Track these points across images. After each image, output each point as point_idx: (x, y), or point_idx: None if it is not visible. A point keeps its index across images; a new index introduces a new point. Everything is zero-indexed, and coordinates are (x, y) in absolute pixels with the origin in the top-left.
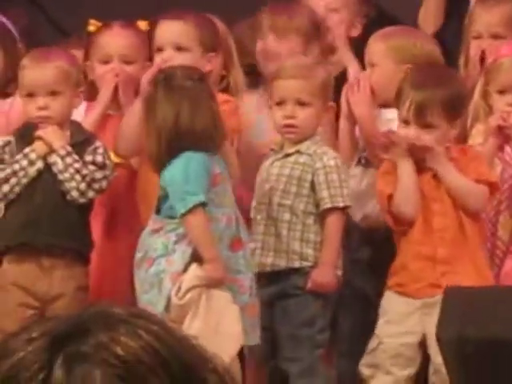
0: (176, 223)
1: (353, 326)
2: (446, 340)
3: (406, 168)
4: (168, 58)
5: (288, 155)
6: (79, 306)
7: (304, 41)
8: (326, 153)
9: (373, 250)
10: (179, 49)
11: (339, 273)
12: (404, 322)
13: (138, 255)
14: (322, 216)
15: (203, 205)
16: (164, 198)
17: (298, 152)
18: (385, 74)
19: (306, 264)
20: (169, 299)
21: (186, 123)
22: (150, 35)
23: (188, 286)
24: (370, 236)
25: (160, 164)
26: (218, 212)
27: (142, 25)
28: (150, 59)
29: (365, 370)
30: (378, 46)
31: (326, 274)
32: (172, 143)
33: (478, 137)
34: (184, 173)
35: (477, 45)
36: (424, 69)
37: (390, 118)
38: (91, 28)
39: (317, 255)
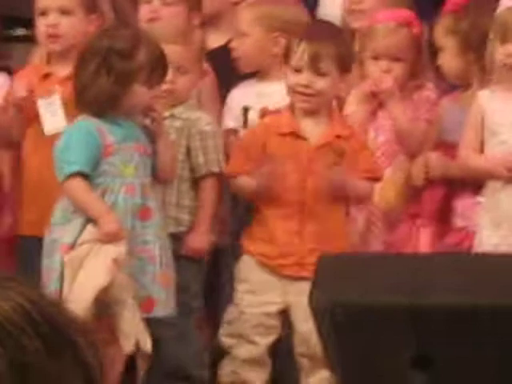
0: None
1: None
2: (317, 308)
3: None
4: (54, 21)
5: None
6: None
7: (187, 8)
8: (200, 118)
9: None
10: (63, 12)
11: (213, 238)
12: (266, 292)
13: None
14: (197, 181)
15: (81, 175)
16: None
17: (172, 116)
18: (255, 43)
19: (181, 229)
20: (59, 269)
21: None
22: None
23: (80, 241)
24: None
25: None
26: (116, 182)
27: None
28: None
29: (226, 340)
30: (246, 15)
31: (200, 239)
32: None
33: (352, 104)
34: (65, 142)
35: None
36: (314, 23)
37: (268, 92)
38: None
39: (192, 220)
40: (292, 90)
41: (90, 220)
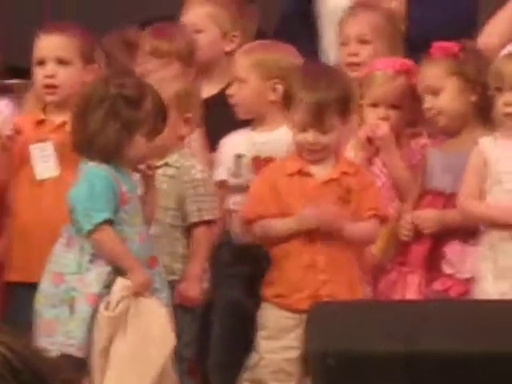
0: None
1: (228, 339)
2: (311, 353)
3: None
4: (51, 72)
5: (156, 168)
6: None
7: (183, 64)
8: (193, 166)
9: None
10: (61, 62)
11: (205, 286)
12: (285, 336)
13: (48, 265)
14: (189, 229)
15: (110, 222)
16: (71, 213)
17: (166, 165)
18: (252, 90)
19: (173, 278)
20: (87, 320)
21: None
22: None
23: (118, 298)
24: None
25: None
26: (132, 231)
27: None
28: None
29: None
30: (242, 62)
31: (193, 287)
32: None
33: (350, 150)
34: (88, 190)
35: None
36: (311, 70)
37: (264, 142)
38: None
39: (185, 269)
40: (299, 146)
41: (115, 270)
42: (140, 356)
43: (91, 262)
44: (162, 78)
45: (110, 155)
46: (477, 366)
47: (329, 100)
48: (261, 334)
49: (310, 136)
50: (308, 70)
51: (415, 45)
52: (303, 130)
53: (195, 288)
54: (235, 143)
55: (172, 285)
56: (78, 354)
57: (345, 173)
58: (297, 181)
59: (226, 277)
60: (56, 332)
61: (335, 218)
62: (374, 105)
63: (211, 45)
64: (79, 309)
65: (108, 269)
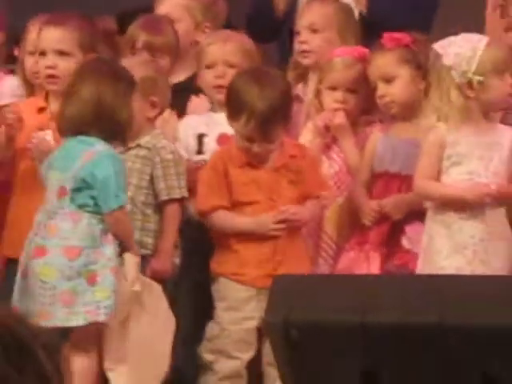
0: (100, 218)
1: (194, 313)
2: (272, 325)
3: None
4: (52, 63)
5: (129, 149)
6: None
7: (172, 58)
8: (164, 147)
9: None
10: (61, 54)
11: (176, 260)
12: (244, 308)
13: (51, 241)
14: (160, 207)
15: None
16: (78, 190)
17: (138, 146)
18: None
19: (145, 252)
20: (114, 290)
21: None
22: None
23: (134, 274)
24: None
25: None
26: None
27: None
28: None
29: (207, 356)
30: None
31: (164, 261)
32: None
33: (308, 134)
34: (114, 171)
35: None
36: (256, 77)
37: (221, 121)
38: None
39: (156, 243)
40: (243, 150)
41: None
42: (153, 340)
43: (102, 236)
44: (130, 65)
45: (122, 132)
46: (424, 337)
47: (276, 110)
48: (220, 306)
49: (256, 147)
50: (254, 77)
51: (373, 29)
52: (250, 141)
53: (165, 262)
54: (195, 124)
55: (145, 259)
56: (106, 320)
57: (292, 156)
58: (248, 171)
59: (189, 253)
60: (75, 303)
61: (295, 218)
62: (333, 88)
63: (185, 34)
64: (105, 280)
65: (116, 244)
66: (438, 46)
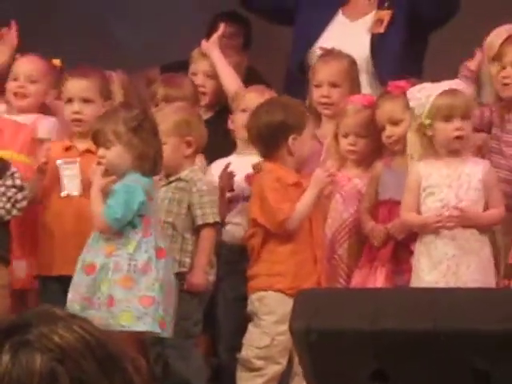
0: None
1: (233, 324)
2: (296, 331)
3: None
4: (78, 109)
5: (171, 182)
6: (2, 301)
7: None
8: (200, 179)
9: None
10: (85, 101)
11: (210, 277)
12: None
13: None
14: (197, 230)
15: None
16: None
17: (178, 179)
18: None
19: (183, 269)
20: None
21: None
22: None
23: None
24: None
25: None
26: None
27: (56, 61)
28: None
29: (257, 362)
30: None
31: (198, 277)
32: None
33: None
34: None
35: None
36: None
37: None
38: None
39: (192, 262)
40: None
41: None
42: None
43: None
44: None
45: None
46: (421, 340)
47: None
48: (269, 320)
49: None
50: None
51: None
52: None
53: (200, 276)
54: (223, 164)
55: (182, 276)
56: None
57: None
58: (297, 190)
59: (227, 273)
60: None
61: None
62: (345, 135)
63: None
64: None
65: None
66: (409, 92)
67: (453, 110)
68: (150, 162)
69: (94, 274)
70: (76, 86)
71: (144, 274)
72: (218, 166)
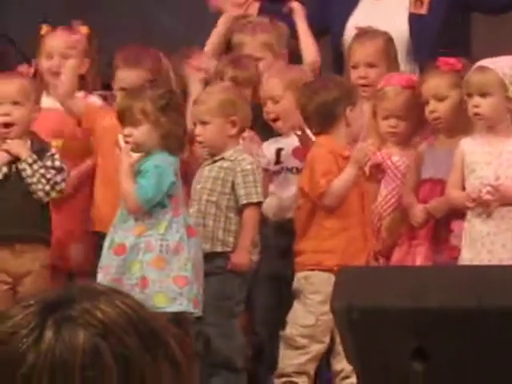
0: None
1: (268, 301)
2: (337, 309)
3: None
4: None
5: (215, 161)
6: (43, 281)
7: (253, 91)
8: (244, 159)
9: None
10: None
11: (254, 257)
12: None
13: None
14: (240, 210)
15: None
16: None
17: (222, 159)
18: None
19: (226, 249)
20: None
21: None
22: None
23: None
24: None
25: None
26: None
27: (83, 29)
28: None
29: (301, 340)
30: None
31: (242, 257)
32: None
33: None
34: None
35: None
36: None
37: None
38: (42, 32)
39: (236, 242)
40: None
41: None
42: None
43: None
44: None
45: None
46: (465, 318)
47: None
48: (315, 299)
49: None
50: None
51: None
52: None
53: (243, 256)
54: (273, 142)
55: (226, 255)
56: None
57: None
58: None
59: (266, 248)
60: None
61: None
62: (385, 117)
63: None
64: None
65: None
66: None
67: (470, 87)
68: (176, 141)
69: (124, 255)
70: (128, 76)
71: (176, 253)
72: (269, 144)
